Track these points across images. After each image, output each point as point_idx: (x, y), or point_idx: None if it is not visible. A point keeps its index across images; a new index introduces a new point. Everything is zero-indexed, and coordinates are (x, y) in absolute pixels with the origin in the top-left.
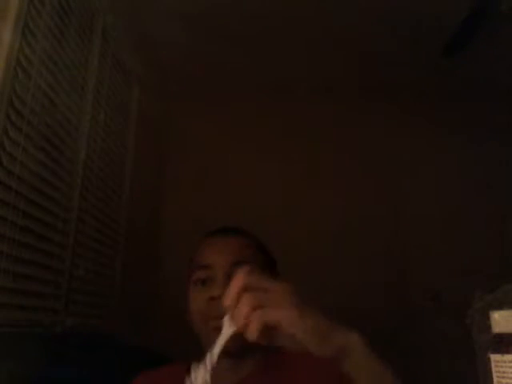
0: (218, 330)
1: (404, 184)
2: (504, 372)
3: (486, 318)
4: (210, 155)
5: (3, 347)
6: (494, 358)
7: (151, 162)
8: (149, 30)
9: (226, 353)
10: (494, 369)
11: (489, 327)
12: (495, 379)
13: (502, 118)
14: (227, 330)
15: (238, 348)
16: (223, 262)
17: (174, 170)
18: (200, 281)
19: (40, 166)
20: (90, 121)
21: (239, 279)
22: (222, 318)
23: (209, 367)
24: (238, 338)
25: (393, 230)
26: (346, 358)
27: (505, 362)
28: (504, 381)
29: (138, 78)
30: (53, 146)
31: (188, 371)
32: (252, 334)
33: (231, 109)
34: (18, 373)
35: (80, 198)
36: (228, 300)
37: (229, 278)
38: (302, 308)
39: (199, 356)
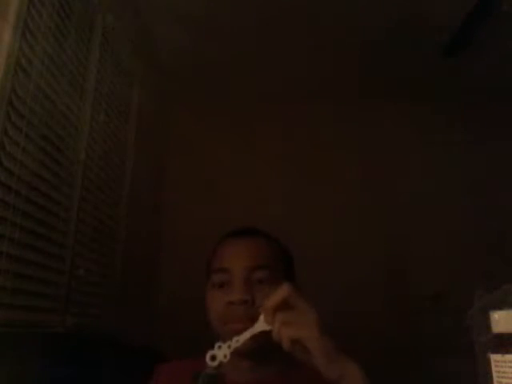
0: (236, 332)
1: (404, 184)
2: (504, 372)
3: (486, 318)
4: (210, 154)
5: (3, 347)
6: (494, 358)
7: (151, 161)
8: (149, 30)
9: (245, 353)
10: (494, 369)
11: (489, 327)
12: (495, 379)
13: (504, 118)
14: (260, 325)
15: (258, 348)
16: (241, 267)
17: (175, 169)
18: (218, 283)
19: (40, 166)
20: (90, 121)
21: (279, 295)
22: (239, 321)
23: (233, 346)
24: (263, 338)
25: (393, 230)
26: None
27: (505, 361)
28: (504, 381)
29: (138, 78)
30: (53, 146)
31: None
32: (285, 343)
33: (231, 109)
34: (18, 373)
35: (80, 198)
36: (265, 311)
37: (246, 282)
38: (321, 330)
39: (199, 355)
